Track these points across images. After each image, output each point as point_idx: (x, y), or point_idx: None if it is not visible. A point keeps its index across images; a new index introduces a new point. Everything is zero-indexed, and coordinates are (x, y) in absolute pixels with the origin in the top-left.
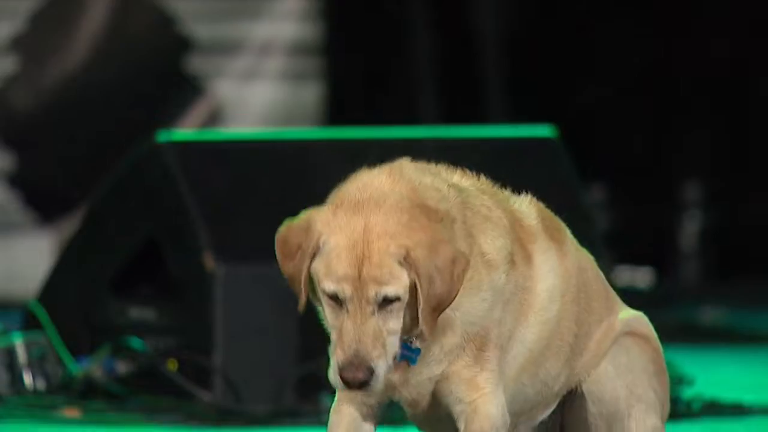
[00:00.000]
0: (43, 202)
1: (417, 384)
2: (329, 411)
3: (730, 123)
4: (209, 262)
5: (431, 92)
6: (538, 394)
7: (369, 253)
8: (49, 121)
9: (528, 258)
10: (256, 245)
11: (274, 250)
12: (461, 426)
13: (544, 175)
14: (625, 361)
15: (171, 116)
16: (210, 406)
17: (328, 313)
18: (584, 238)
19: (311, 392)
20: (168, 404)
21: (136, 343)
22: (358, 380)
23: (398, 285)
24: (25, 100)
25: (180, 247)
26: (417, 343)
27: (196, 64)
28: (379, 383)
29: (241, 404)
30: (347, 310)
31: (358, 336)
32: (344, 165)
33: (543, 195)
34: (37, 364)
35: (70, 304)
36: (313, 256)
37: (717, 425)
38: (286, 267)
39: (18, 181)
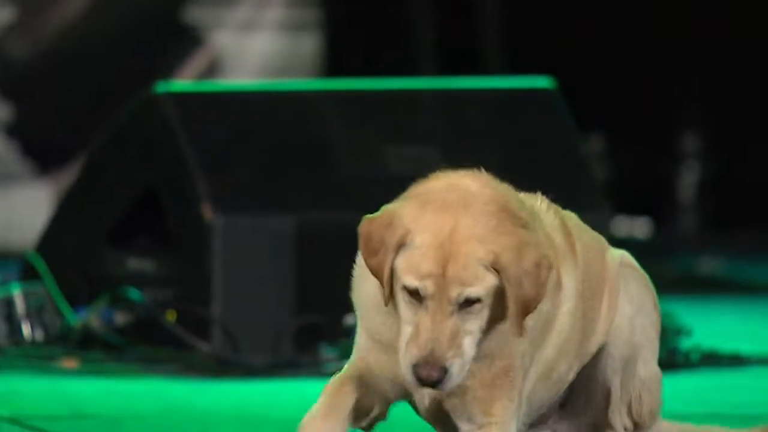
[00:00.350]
0: (41, 153)
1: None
2: (331, 377)
3: (729, 74)
4: (207, 212)
5: (430, 44)
6: (553, 394)
7: (456, 254)
8: (47, 70)
9: (559, 284)
10: (254, 196)
11: (272, 200)
12: None
13: (542, 126)
14: (635, 297)
15: (169, 67)
16: (208, 356)
17: (404, 309)
18: (582, 189)
19: (310, 343)
20: (166, 355)
21: (134, 293)
22: (432, 379)
23: (481, 287)
24: (23, 50)
25: (178, 198)
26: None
27: (194, 14)
28: (451, 383)
29: (239, 355)
30: (426, 308)
31: (436, 335)
32: (342, 116)
33: (541, 146)
34: (35, 314)
35: (69, 254)
36: (397, 251)
37: (715, 376)
38: (370, 262)
39: (16, 131)
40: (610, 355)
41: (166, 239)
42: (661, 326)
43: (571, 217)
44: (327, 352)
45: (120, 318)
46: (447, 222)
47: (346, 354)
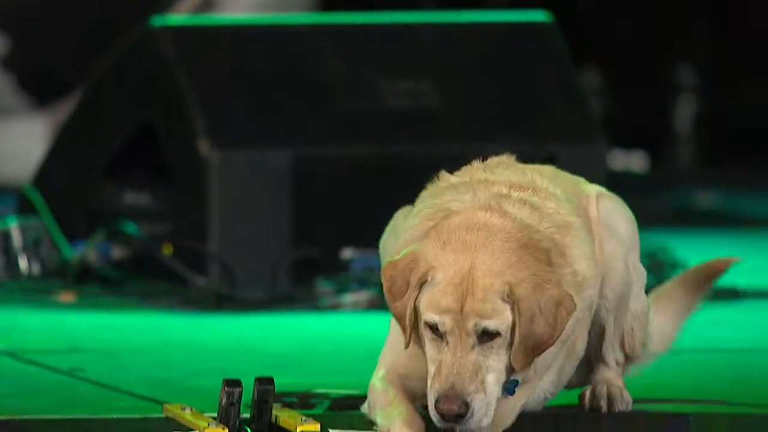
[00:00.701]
0: (38, 86)
1: None
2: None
3: (726, 7)
4: (205, 147)
5: None
6: (573, 368)
7: (473, 289)
8: (43, 3)
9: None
10: (251, 130)
11: (268, 134)
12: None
13: (539, 60)
14: (623, 234)
15: (166, 0)
16: (205, 291)
17: (429, 348)
18: (578, 123)
19: (306, 277)
20: (163, 289)
21: (131, 228)
22: (453, 413)
23: (500, 320)
24: None
25: (175, 133)
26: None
27: None
28: (475, 421)
29: (236, 289)
30: (447, 343)
31: (456, 369)
32: (340, 50)
33: (538, 80)
34: (32, 248)
35: (66, 188)
36: (420, 289)
37: (711, 309)
38: (396, 305)
39: (12, 63)
40: (604, 296)
41: (164, 173)
42: (657, 260)
43: (547, 169)
44: (323, 286)
45: (117, 252)
46: (466, 260)
47: (341, 288)
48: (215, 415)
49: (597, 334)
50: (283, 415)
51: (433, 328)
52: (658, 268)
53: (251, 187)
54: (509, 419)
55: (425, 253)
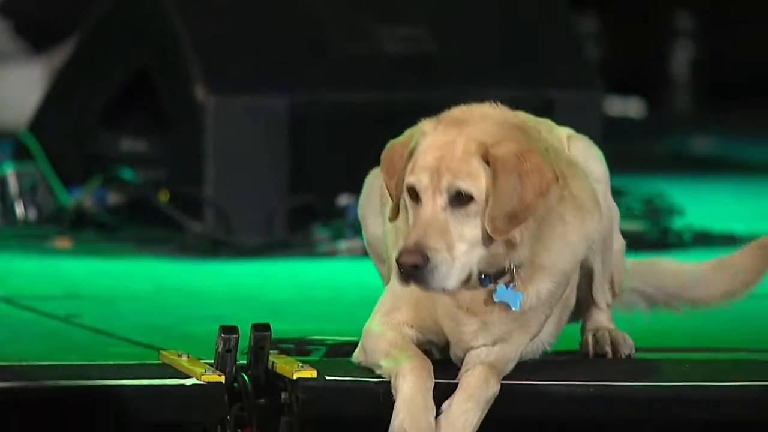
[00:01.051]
0: (34, 32)
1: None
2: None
3: None
4: (201, 93)
5: None
6: (567, 317)
7: (453, 149)
8: None
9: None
10: (247, 76)
11: (265, 80)
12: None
13: (536, 5)
14: (599, 173)
15: None
16: (201, 237)
17: (409, 216)
18: (575, 68)
19: (303, 223)
20: (159, 235)
21: (127, 174)
22: (409, 263)
23: (473, 182)
24: None
25: (171, 79)
26: (518, 287)
27: None
28: (437, 278)
29: (232, 235)
30: (421, 203)
31: (424, 226)
32: None
33: (535, 25)
34: (28, 194)
35: (62, 134)
36: (409, 160)
37: (708, 255)
38: (389, 183)
39: (8, 10)
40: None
41: (160, 119)
42: (653, 206)
43: (520, 115)
44: (319, 232)
45: (113, 198)
46: (454, 131)
47: (338, 234)
48: (212, 361)
49: (586, 276)
50: (279, 362)
51: (412, 192)
52: (654, 215)
53: (248, 133)
54: (509, 367)
55: (417, 130)
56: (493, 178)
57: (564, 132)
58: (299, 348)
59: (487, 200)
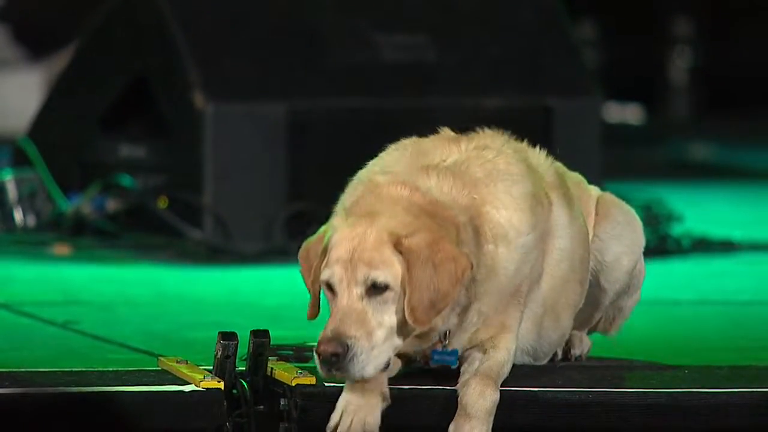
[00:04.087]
0: (33, 38)
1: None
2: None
3: None
4: (199, 99)
5: None
6: (560, 339)
7: (364, 240)
8: None
9: (550, 204)
10: (246, 83)
11: (264, 87)
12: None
13: (534, 12)
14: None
15: None
16: (200, 243)
17: (329, 309)
18: (574, 75)
19: (301, 230)
20: (158, 242)
21: (126, 180)
22: (328, 352)
23: (388, 271)
24: None
25: (170, 85)
26: (452, 345)
27: None
28: (356, 366)
29: (230, 242)
30: (337, 295)
31: (340, 315)
32: (335, 3)
33: (534, 32)
34: (27, 200)
35: (61, 141)
36: (323, 257)
37: (706, 262)
38: (307, 282)
39: (8, 16)
40: (603, 289)
41: (159, 126)
42: (652, 212)
43: (559, 166)
44: None
45: (112, 204)
46: (365, 222)
47: None
48: (211, 368)
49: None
50: (278, 368)
51: (328, 286)
52: (653, 221)
53: (246, 139)
54: (504, 370)
55: (329, 225)
56: (407, 269)
57: (593, 189)
58: (298, 354)
59: (403, 287)
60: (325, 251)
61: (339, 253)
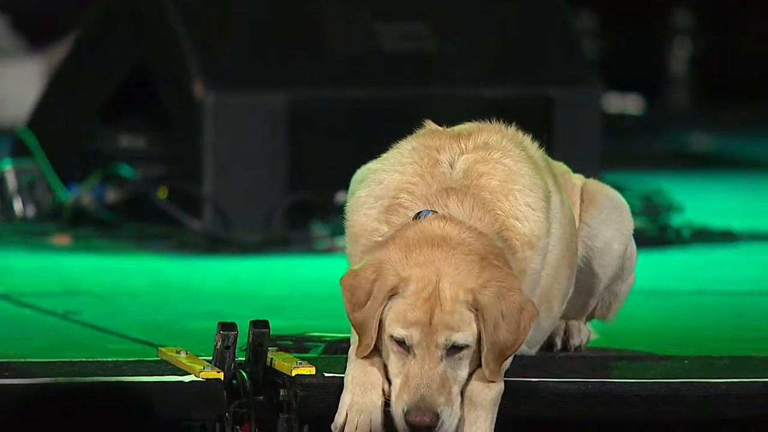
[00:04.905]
0: (33, 28)
1: None
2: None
3: None
4: (199, 89)
5: None
6: (551, 326)
7: (441, 300)
8: None
9: (550, 194)
10: (246, 73)
11: (264, 77)
12: None
13: (535, 2)
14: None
15: None
16: (200, 234)
17: (393, 361)
18: (574, 66)
19: (301, 220)
20: (158, 232)
21: (126, 170)
22: (424, 424)
23: (468, 332)
24: None
25: (170, 75)
26: None
27: None
28: (443, 430)
29: (231, 232)
30: (414, 355)
31: (426, 381)
32: None
33: (534, 23)
34: (27, 191)
35: (60, 131)
36: (387, 302)
37: (706, 252)
38: (355, 315)
39: (7, 6)
40: (596, 275)
41: (158, 116)
42: (652, 203)
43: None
44: (318, 229)
45: (112, 195)
46: (433, 272)
47: (336, 231)
48: (210, 358)
49: (578, 301)
50: (278, 359)
51: (400, 342)
52: (653, 211)
53: (246, 130)
54: (508, 361)
55: (390, 265)
56: (483, 325)
57: (576, 178)
58: (298, 345)
59: (477, 341)
60: (391, 295)
61: (417, 316)
